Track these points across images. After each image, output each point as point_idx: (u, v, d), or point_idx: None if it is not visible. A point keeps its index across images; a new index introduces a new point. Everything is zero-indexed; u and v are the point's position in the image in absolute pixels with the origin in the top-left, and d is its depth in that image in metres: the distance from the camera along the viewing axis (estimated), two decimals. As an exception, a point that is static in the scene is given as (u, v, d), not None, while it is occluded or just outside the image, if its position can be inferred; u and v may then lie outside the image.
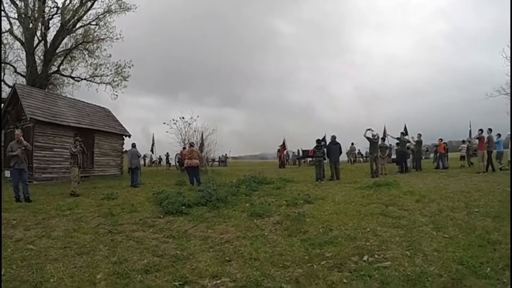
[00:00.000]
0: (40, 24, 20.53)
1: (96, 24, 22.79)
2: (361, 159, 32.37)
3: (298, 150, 31.48)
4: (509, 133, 14.93)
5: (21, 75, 20.98)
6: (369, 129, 13.98)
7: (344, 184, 11.46)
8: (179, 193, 9.08)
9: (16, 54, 21.74)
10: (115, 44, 23.47)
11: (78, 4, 21.45)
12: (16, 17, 20.40)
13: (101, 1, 22.29)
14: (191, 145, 13.71)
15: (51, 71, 22.14)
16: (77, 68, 24.16)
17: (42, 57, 21.55)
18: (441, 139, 17.65)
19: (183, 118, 21.56)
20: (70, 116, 16.73)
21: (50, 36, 21.37)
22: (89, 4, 21.83)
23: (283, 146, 28.62)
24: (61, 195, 10.40)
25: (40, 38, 21.11)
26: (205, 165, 16.40)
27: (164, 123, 21.66)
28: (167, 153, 29.94)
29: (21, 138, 8.98)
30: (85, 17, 22.29)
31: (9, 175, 15.28)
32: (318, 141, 13.69)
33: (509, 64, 18.81)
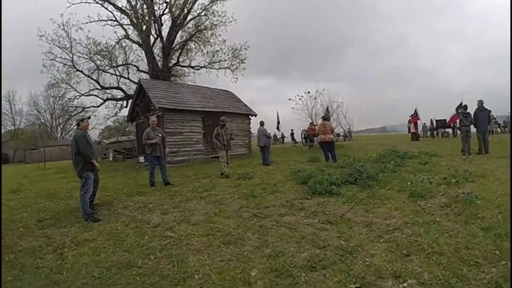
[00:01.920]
0: (153, 23, 21.37)
1: (205, 15, 22.81)
2: (498, 129, 26.90)
3: (432, 120, 26.87)
4: None
5: (144, 72, 22.46)
6: None
7: (496, 158, 9.90)
8: (322, 171, 7.96)
9: (136, 54, 23.37)
10: (229, 28, 23.33)
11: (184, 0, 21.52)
12: (129, 23, 21.75)
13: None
14: (325, 118, 11.80)
15: (171, 64, 23.12)
16: (195, 58, 24.86)
17: (160, 54, 22.62)
18: None
19: (308, 92, 19.91)
20: (195, 101, 16.74)
21: (164, 32, 22.18)
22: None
23: (416, 115, 24.26)
24: (195, 175, 9.95)
25: (155, 36, 21.99)
26: (349, 138, 14.40)
27: (290, 99, 20.50)
28: (292, 130, 29.29)
29: (156, 125, 8.62)
30: (193, 10, 22.48)
31: (143, 160, 16.82)
32: (465, 107, 11.91)
33: None
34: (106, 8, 21.75)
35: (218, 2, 22.48)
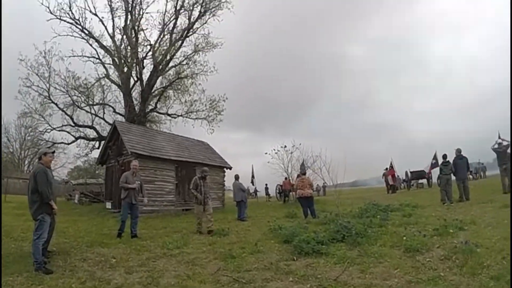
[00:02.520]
0: (135, 65, 21.43)
1: (186, 64, 23.21)
2: (470, 176, 26.94)
3: (406, 172, 27.61)
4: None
5: (120, 114, 21.97)
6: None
7: (478, 204, 10.03)
8: (304, 228, 7.57)
9: (114, 95, 22.99)
10: (209, 79, 23.58)
11: (168, 45, 21.99)
12: (111, 62, 21.66)
13: (189, 40, 22.78)
14: (303, 173, 11.70)
15: (148, 110, 22.85)
16: (172, 106, 24.75)
17: (138, 98, 22.38)
18: None
19: (285, 146, 19.87)
20: (170, 149, 16.25)
21: (145, 76, 22.19)
22: (178, 44, 22.32)
23: (391, 168, 24.93)
24: (165, 229, 9.14)
25: (135, 79, 21.90)
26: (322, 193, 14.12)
27: (266, 153, 20.36)
28: (266, 184, 28.94)
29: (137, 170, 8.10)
30: (175, 57, 22.91)
31: (110, 206, 15.71)
32: (444, 156, 12.18)
33: None
34: (91, 45, 21.73)
35: (201, 52, 22.90)
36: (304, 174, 11.66)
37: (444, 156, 12.11)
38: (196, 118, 24.17)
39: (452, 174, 11.75)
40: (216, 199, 17.94)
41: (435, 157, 23.49)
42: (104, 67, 21.91)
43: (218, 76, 23.69)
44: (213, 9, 22.07)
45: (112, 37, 21.60)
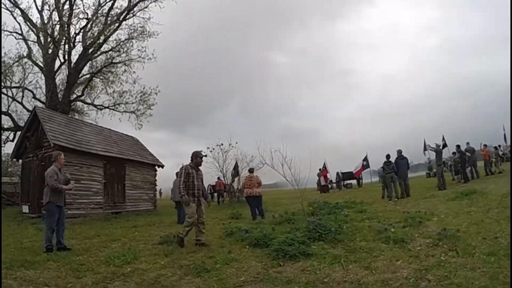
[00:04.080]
0: (64, 43, 18.51)
1: (121, 48, 20.74)
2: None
3: (338, 173, 28.61)
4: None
5: (40, 101, 18.71)
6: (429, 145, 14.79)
7: (423, 199, 10.86)
8: (273, 229, 7.05)
9: (36, 77, 19.67)
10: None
11: (102, 27, 19.40)
12: (36, 40, 18.61)
13: (126, 24, 20.28)
14: (250, 171, 11.06)
15: (73, 98, 19.99)
16: (99, 96, 22.18)
17: (63, 83, 19.50)
18: (485, 145, 17.19)
19: (222, 145, 19.42)
20: (97, 143, 14.26)
21: (73, 58, 19.22)
22: (114, 26, 19.72)
23: (325, 169, 26.07)
24: (99, 237, 7.62)
25: (62, 60, 18.96)
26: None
27: (201, 151, 19.38)
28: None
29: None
30: (108, 41, 20.26)
31: (27, 211, 13.05)
32: (388, 156, 12.83)
33: None
34: (15, 18, 18.49)
35: (134, 40, 20.73)
36: (251, 171, 11.05)
37: (388, 156, 12.77)
38: (125, 111, 22.14)
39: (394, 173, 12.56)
40: (147, 200, 16.52)
41: (365, 159, 25.14)
42: (27, 44, 18.80)
43: (145, 74, 21.75)
44: None
45: (40, 11, 18.53)
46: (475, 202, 8.34)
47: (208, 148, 19.45)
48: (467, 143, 16.20)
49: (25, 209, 12.80)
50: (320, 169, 25.92)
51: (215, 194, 21.56)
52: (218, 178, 20.78)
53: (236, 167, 20.59)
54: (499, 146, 19.56)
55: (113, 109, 22.09)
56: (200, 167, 6.72)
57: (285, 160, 7.97)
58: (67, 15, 17.93)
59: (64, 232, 6.13)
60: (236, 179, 20.38)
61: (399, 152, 12.86)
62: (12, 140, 19.39)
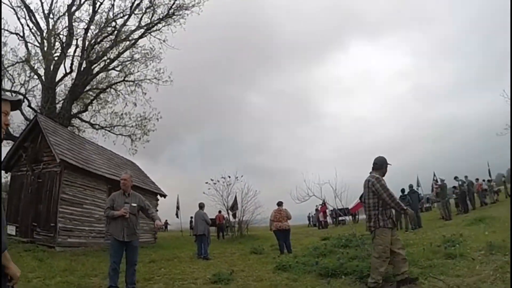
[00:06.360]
0: (71, 54, 17.29)
1: (119, 71, 19.61)
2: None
3: (334, 209, 27.73)
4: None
5: (35, 111, 16.94)
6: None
7: (438, 228, 11.18)
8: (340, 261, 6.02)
9: (32, 85, 18.09)
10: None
11: (113, 43, 18.20)
12: (39, 45, 17.32)
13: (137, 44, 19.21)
14: (279, 204, 10.28)
15: (73, 113, 18.47)
16: (96, 116, 20.74)
17: (65, 93, 18.06)
18: (477, 179, 18.38)
19: (229, 177, 18.52)
20: (102, 164, 12.92)
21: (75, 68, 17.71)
22: (126, 44, 18.67)
23: (324, 205, 25.04)
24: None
25: (68, 70, 17.41)
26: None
27: (206, 182, 18.64)
28: (191, 217, 25.98)
29: (130, 187, 5.10)
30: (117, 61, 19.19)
31: (13, 233, 10.97)
32: (402, 190, 13.53)
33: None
34: (19, 19, 17.20)
35: (138, 62, 19.47)
36: (280, 205, 10.40)
37: (402, 190, 13.58)
38: (120, 134, 20.51)
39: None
40: (148, 231, 14.94)
41: (361, 196, 24.51)
42: (27, 48, 17.36)
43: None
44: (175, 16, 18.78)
45: (47, 16, 17.57)
46: (491, 226, 8.48)
47: (212, 180, 18.58)
48: (465, 177, 17.18)
49: (11, 230, 10.65)
50: (318, 205, 24.99)
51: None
52: (219, 211, 19.90)
53: (235, 201, 19.56)
54: (490, 180, 20.52)
55: (109, 131, 20.50)
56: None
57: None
58: (80, 24, 17.08)
59: (135, 275, 4.96)
60: (235, 213, 19.55)
61: (410, 186, 14.43)
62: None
